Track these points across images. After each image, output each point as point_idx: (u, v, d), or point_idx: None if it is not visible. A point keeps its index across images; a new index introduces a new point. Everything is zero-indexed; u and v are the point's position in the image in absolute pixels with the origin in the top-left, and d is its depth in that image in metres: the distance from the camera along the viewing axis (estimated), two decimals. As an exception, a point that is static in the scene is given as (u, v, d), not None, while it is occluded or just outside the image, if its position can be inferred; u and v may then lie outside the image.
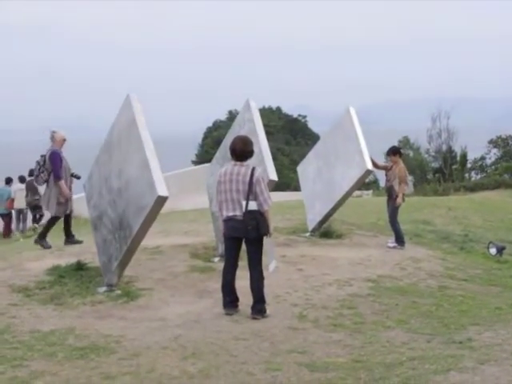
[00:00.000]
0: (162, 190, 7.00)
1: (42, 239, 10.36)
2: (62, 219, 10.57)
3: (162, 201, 7.05)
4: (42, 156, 10.53)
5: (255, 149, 8.84)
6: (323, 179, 11.37)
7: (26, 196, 18.11)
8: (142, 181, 7.24)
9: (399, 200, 10.55)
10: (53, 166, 10.34)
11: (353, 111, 11.35)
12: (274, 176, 8.63)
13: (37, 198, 17.50)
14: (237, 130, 9.26)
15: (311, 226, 11.34)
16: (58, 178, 10.30)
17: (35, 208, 18.04)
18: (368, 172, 10.79)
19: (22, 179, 18.68)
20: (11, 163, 46.67)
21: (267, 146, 8.93)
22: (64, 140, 10.71)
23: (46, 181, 10.40)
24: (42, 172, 10.42)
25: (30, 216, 18.97)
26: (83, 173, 9.60)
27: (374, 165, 11.10)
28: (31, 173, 17.95)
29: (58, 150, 10.55)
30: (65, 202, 10.38)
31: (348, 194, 11.11)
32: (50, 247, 10.22)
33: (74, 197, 11.17)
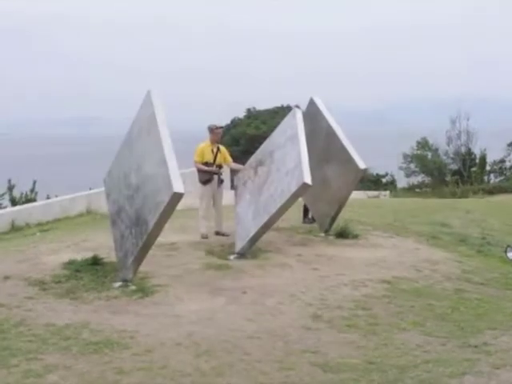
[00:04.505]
0: (177, 187, 7.08)
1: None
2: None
3: (177, 197, 7.12)
4: None
5: (294, 152, 9.21)
6: (316, 178, 10.33)
7: None
8: (159, 177, 7.31)
9: None
10: None
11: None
12: (308, 180, 8.91)
13: None
14: (276, 136, 9.92)
15: (322, 228, 11.21)
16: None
17: None
18: (363, 172, 10.69)
19: None
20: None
21: (306, 151, 9.27)
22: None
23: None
24: None
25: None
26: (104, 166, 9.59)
27: None
28: None
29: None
30: None
31: (348, 195, 11.02)
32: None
33: (92, 192, 11.20)
